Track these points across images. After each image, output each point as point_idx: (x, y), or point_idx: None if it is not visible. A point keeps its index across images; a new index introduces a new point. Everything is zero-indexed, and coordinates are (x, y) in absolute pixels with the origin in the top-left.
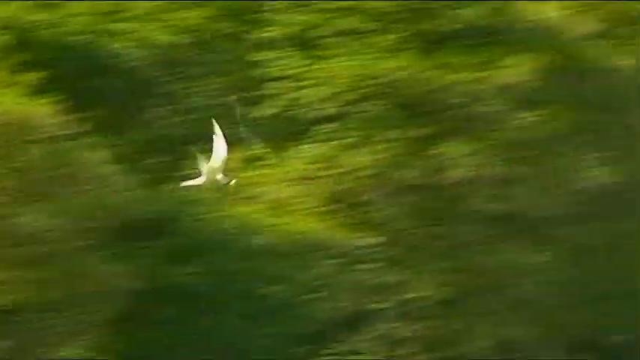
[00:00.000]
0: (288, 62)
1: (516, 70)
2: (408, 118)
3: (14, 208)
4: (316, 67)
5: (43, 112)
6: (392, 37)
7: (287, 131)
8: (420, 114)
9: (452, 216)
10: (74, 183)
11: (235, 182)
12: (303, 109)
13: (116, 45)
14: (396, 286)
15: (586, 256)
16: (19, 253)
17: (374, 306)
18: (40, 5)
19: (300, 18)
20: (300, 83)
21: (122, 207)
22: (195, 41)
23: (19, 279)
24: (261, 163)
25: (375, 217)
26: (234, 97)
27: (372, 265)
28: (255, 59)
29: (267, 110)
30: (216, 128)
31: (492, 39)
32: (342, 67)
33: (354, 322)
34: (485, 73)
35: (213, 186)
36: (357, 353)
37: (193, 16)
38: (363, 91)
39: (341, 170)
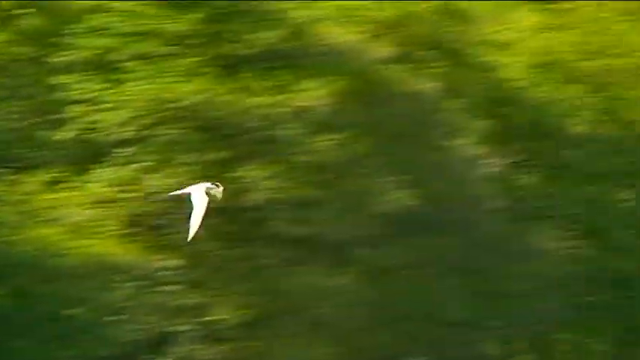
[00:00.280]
0: (87, 86)
1: (314, 93)
2: (206, 142)
3: None
4: (115, 90)
5: None
6: (190, 60)
7: (87, 154)
8: (218, 137)
9: (252, 239)
10: None
11: (222, 190)
12: (103, 133)
13: None
14: (198, 308)
15: (385, 278)
16: None
17: (176, 328)
18: None
19: (99, 42)
20: (99, 106)
21: None
22: None
23: None
24: (61, 186)
25: (175, 239)
26: (34, 121)
27: (173, 288)
28: (54, 83)
29: (66, 133)
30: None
31: (290, 62)
32: (141, 91)
33: (156, 344)
34: (282, 97)
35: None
36: None
37: None
38: (161, 114)
39: (141, 193)
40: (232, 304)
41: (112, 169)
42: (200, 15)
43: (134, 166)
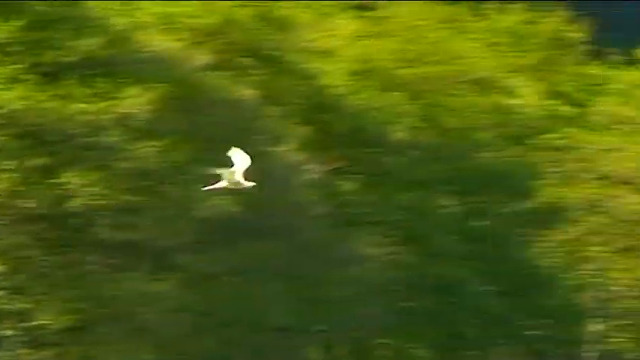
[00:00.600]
0: None
1: (135, 100)
2: (27, 149)
3: None
4: None
5: None
6: (10, 68)
7: None
8: (39, 144)
9: (75, 245)
10: None
11: (253, 185)
12: None
13: None
14: (22, 313)
15: (209, 284)
16: None
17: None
18: None
19: None
20: None
21: None
22: None
23: None
24: None
25: None
26: None
27: None
28: None
29: None
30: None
31: (111, 70)
32: None
33: None
34: (104, 104)
35: (236, 187)
36: None
37: None
38: None
39: None
40: (56, 310)
41: None
42: (20, 22)
43: None
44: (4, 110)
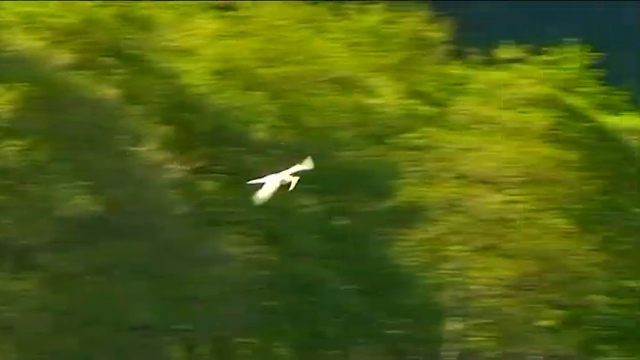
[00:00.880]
0: None
1: None
2: None
3: None
4: None
5: None
6: None
7: None
8: None
9: None
10: None
11: (296, 182)
12: None
13: None
14: None
15: (71, 283)
16: None
17: None
18: None
19: None
20: None
21: None
22: None
23: None
24: None
25: None
26: None
27: None
28: None
29: None
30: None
31: None
32: None
33: None
34: None
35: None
36: None
37: None
38: None
39: None
40: None
41: None
42: None
43: None
44: None
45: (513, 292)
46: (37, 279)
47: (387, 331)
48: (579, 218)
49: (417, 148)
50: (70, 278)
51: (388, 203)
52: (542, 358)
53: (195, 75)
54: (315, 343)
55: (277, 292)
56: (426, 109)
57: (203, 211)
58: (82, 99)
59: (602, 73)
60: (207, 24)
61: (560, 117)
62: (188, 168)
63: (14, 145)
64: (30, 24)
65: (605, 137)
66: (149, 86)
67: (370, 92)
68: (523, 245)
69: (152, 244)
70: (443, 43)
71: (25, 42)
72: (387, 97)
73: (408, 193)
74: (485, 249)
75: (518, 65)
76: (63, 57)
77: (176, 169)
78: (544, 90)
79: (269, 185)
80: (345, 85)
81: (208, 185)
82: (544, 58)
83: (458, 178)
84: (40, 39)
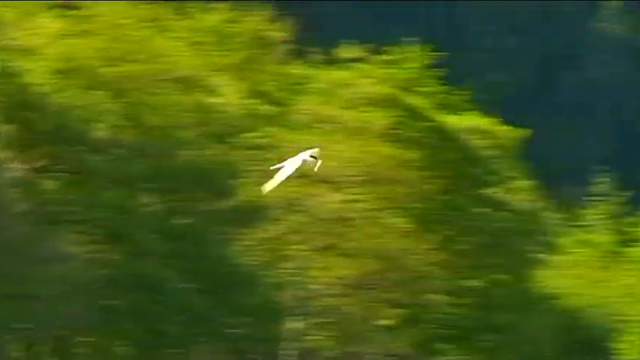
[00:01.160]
0: None
1: None
2: None
3: None
4: None
5: None
6: None
7: None
8: None
9: None
10: None
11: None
12: None
13: None
14: None
15: None
16: None
17: None
18: None
19: None
20: None
21: None
22: None
23: None
24: None
25: None
26: None
27: None
28: None
29: None
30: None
31: None
32: None
33: None
34: None
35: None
36: None
37: None
38: None
39: None
40: None
41: None
42: None
43: None
44: None
45: (353, 291)
46: None
47: (228, 330)
48: (419, 218)
49: (258, 147)
50: None
51: (229, 202)
52: (381, 356)
53: (36, 74)
54: (156, 341)
55: (118, 291)
56: (267, 109)
57: (44, 210)
58: None
59: (442, 72)
60: (49, 23)
61: (400, 116)
62: (29, 167)
63: None
64: None
65: (445, 137)
66: None
67: (212, 91)
68: (363, 244)
69: None
70: (285, 42)
71: None
72: (228, 96)
73: (248, 192)
74: (326, 248)
75: (359, 65)
76: None
77: (17, 168)
78: (384, 89)
79: (283, 173)
80: (187, 84)
81: (49, 184)
82: (385, 57)
83: (298, 177)
84: None
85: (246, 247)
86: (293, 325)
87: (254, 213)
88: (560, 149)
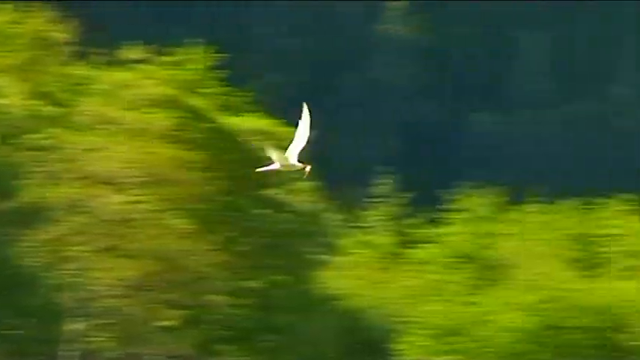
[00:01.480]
0: None
1: None
2: None
3: None
4: None
5: None
6: None
7: None
8: None
9: None
10: None
11: (309, 167)
12: None
13: None
14: None
15: None
16: None
17: None
18: None
19: None
20: None
21: None
22: None
23: None
24: None
25: None
26: None
27: None
28: None
29: None
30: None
31: None
32: None
33: None
34: None
35: (290, 170)
36: None
37: None
38: None
39: None
40: None
41: None
42: None
43: None
44: None
45: (134, 292)
46: None
47: (10, 332)
48: (201, 219)
49: (41, 148)
50: None
51: (11, 203)
52: (162, 357)
53: None
54: None
55: None
56: (50, 110)
57: None
58: None
59: (224, 74)
60: None
61: (182, 118)
62: None
63: None
64: None
65: (227, 138)
66: None
67: None
68: (145, 246)
69: None
70: (67, 43)
71: None
72: (11, 97)
73: (31, 193)
74: (107, 249)
75: (142, 66)
76: None
77: None
78: (167, 90)
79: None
80: None
81: None
82: (168, 58)
83: (81, 178)
84: None
85: (28, 249)
86: (74, 326)
87: (36, 214)
88: (342, 150)
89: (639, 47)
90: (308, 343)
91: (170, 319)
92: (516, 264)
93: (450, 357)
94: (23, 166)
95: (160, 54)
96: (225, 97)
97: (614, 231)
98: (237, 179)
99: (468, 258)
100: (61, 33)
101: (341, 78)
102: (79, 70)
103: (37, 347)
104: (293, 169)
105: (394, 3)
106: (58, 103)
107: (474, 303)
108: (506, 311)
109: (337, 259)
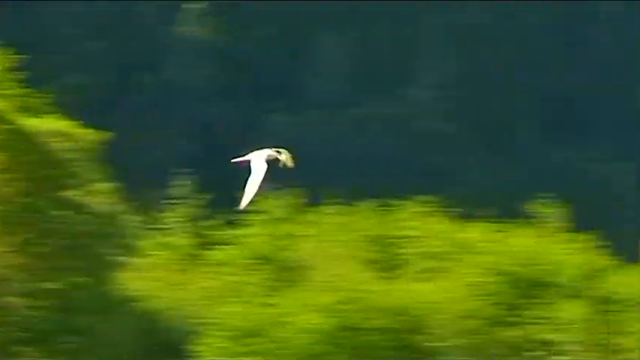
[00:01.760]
0: None
1: None
2: None
3: None
4: None
5: None
6: None
7: None
8: None
9: None
10: None
11: (286, 155)
12: None
13: None
14: None
15: None
16: None
17: None
18: None
19: None
20: None
21: None
22: None
23: None
24: None
25: None
26: None
27: None
28: None
29: None
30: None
31: None
32: None
33: None
34: None
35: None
36: None
37: None
38: None
39: None
40: None
41: None
42: None
43: None
44: None
45: None
46: None
47: None
48: None
49: None
50: None
51: None
52: None
53: None
54: None
55: None
56: None
57: None
58: None
59: (23, 75)
60: None
61: None
62: None
63: None
64: None
65: (26, 140)
66: None
67: None
68: None
69: None
70: None
71: None
72: None
73: None
74: None
75: None
76: None
77: None
78: None
79: (252, 185)
80: None
81: None
82: None
83: None
84: None
85: None
86: None
87: None
88: (140, 152)
89: (435, 49)
90: (107, 345)
91: None
92: (314, 265)
93: (248, 358)
94: None
95: None
96: (24, 98)
97: (412, 232)
98: (36, 181)
99: (266, 259)
100: None
101: (141, 79)
102: None
103: None
104: (269, 158)
105: (191, 5)
106: None
107: (272, 304)
108: (304, 312)
109: (136, 260)
